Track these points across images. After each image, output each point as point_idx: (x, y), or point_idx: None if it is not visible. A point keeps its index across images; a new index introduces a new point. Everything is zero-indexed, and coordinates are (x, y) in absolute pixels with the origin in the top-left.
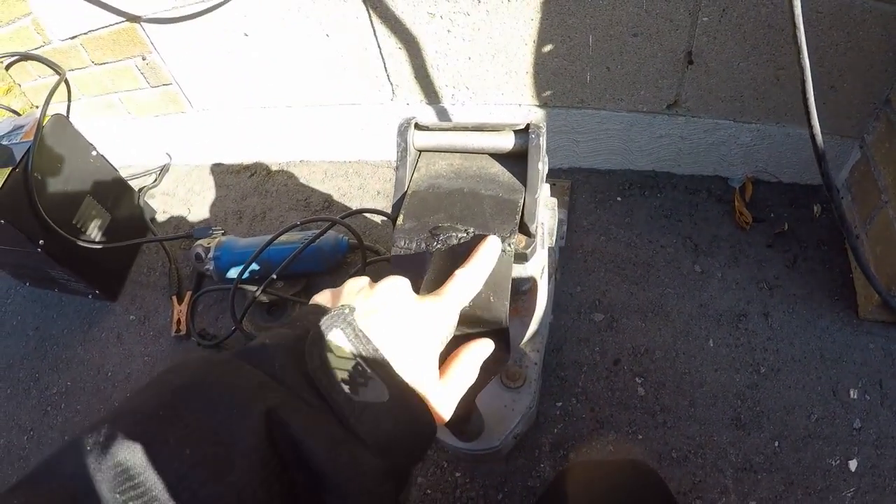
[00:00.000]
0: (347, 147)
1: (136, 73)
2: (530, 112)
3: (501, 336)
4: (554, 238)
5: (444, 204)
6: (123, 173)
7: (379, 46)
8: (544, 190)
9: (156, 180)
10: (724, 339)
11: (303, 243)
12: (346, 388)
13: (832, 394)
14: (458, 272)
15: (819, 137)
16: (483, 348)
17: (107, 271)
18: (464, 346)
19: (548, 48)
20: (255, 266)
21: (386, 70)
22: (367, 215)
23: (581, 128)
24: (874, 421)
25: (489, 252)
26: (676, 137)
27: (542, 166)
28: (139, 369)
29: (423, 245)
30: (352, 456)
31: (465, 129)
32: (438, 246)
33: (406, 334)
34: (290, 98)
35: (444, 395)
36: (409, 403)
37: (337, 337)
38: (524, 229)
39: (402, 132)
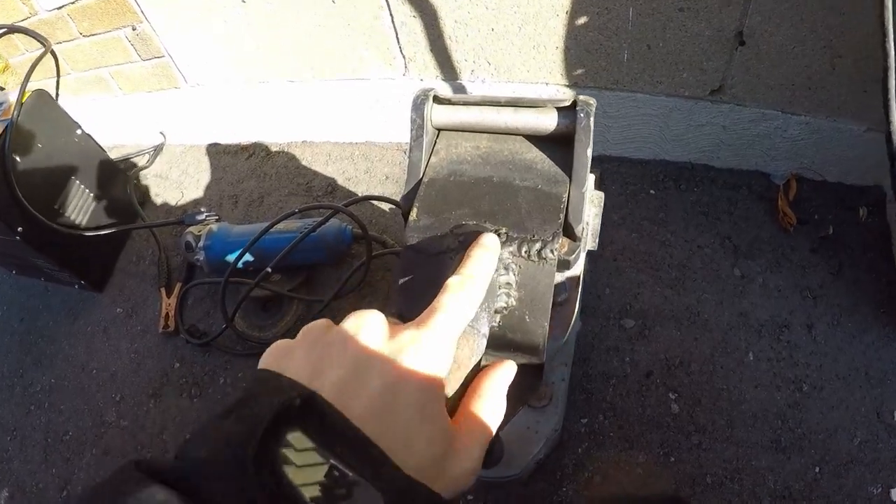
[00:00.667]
0: (354, 127)
1: (127, 45)
2: (558, 92)
3: (537, 359)
4: (597, 241)
5: (468, 196)
6: (115, 154)
7: (391, 14)
8: (590, 181)
9: (149, 161)
10: (764, 353)
11: (302, 232)
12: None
13: (876, 416)
14: (449, 281)
15: None
16: (505, 374)
17: (93, 260)
18: (481, 376)
19: (582, 20)
20: (249, 257)
21: (398, 41)
22: (374, 203)
23: (614, 112)
24: None
25: (486, 253)
26: (718, 127)
27: (590, 153)
28: (125, 367)
29: (442, 248)
30: None
31: (497, 103)
32: (461, 251)
33: (392, 399)
34: (291, 72)
35: (464, 455)
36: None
37: (297, 438)
38: (568, 231)
39: (419, 105)
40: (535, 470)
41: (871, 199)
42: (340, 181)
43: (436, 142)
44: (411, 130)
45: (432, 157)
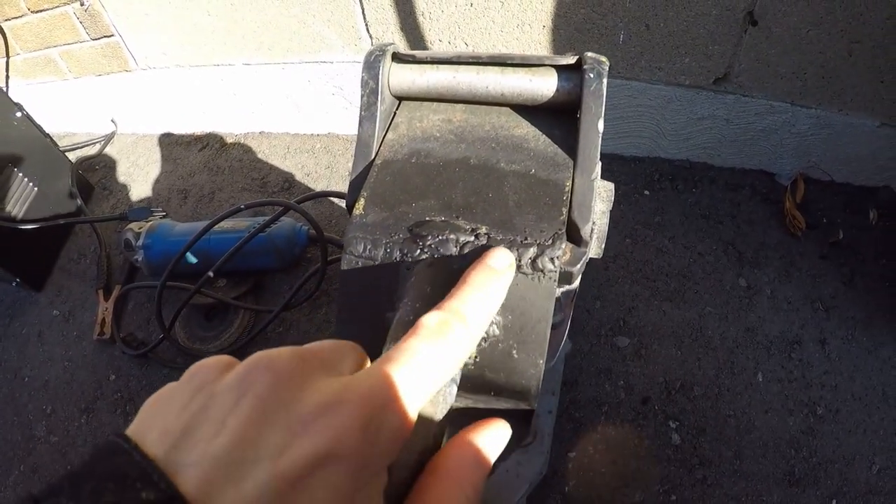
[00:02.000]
0: (315, 116)
1: (75, 23)
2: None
3: (525, 403)
4: (603, 246)
5: (435, 183)
6: (66, 142)
7: None
8: (597, 168)
9: (98, 151)
10: (775, 373)
11: (249, 232)
12: None
13: None
14: (425, 320)
15: None
16: (490, 443)
17: (31, 256)
18: (451, 447)
19: None
20: (192, 259)
21: (364, 18)
22: (335, 200)
23: (607, 101)
24: None
25: (494, 281)
26: (721, 120)
27: (602, 126)
28: (58, 376)
29: (397, 253)
30: None
31: (477, 62)
32: (423, 256)
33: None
34: (248, 53)
35: None
36: None
37: None
38: (573, 233)
39: (372, 64)
40: None
41: (881, 200)
42: (299, 176)
43: (395, 113)
44: (362, 96)
45: (389, 133)
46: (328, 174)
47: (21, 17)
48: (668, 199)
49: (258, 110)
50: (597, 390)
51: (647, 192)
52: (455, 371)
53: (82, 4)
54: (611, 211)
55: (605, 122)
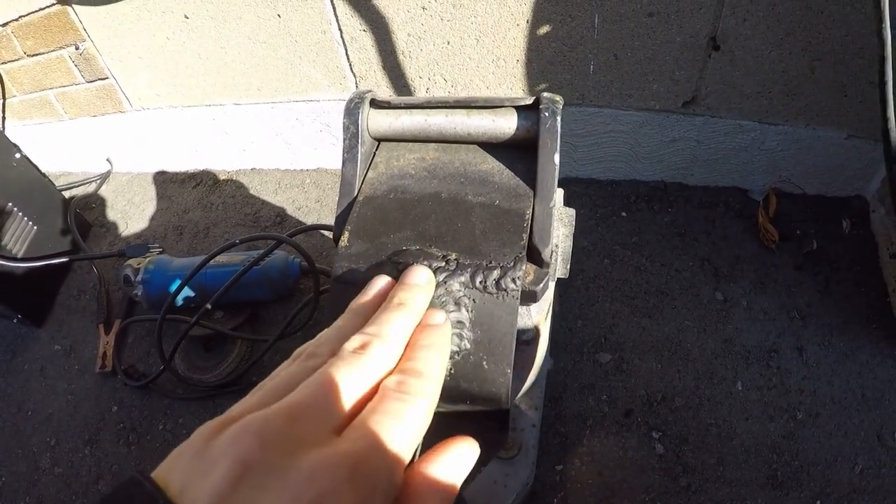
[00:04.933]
0: (305, 153)
1: (71, 66)
2: (515, 91)
3: (499, 416)
4: (568, 267)
5: (411, 216)
6: (62, 182)
7: (340, 28)
8: (558, 196)
9: (94, 190)
10: (754, 381)
11: (244, 265)
12: None
13: (877, 439)
14: (388, 383)
15: (894, 129)
16: (458, 463)
17: (31, 293)
18: (423, 464)
19: (544, 30)
20: (190, 292)
21: (348, 58)
22: (324, 232)
23: (581, 129)
24: None
25: (413, 299)
26: (692, 141)
27: (558, 160)
28: (61, 409)
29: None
30: None
31: (445, 106)
32: None
33: None
34: (238, 94)
35: None
36: None
37: None
38: (534, 255)
39: (352, 111)
40: None
41: (853, 210)
42: (290, 210)
43: (375, 154)
44: (344, 140)
45: (370, 172)
46: (318, 208)
47: (17, 60)
48: (645, 219)
49: (249, 148)
50: (581, 405)
51: (624, 214)
52: (425, 425)
53: (77, 48)
54: (591, 233)
55: (580, 149)
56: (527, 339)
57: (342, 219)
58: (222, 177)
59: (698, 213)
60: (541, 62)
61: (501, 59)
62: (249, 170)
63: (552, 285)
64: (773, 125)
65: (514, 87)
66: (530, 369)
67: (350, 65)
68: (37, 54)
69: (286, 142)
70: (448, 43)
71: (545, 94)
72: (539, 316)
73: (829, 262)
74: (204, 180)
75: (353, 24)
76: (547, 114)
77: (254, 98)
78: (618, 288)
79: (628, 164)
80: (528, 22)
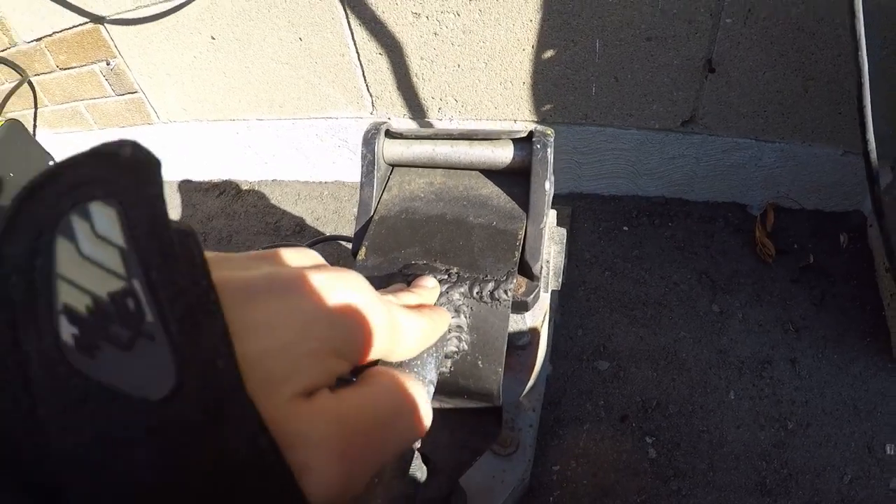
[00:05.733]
0: (323, 166)
1: (101, 80)
2: (515, 125)
3: (493, 411)
4: (561, 280)
5: (419, 235)
6: None
7: (357, 52)
8: (550, 217)
9: None
10: (746, 391)
11: None
12: (70, 331)
13: (867, 450)
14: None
15: (874, 154)
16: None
17: None
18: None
19: (548, 54)
20: None
21: (365, 79)
22: (342, 243)
23: (585, 147)
24: None
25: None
26: (691, 159)
27: (548, 186)
28: None
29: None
30: None
31: (450, 137)
32: None
33: (281, 290)
34: (261, 110)
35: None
36: (235, 427)
37: (101, 216)
38: (525, 269)
39: (369, 140)
40: None
41: (851, 225)
42: (309, 220)
43: (389, 178)
44: (362, 166)
45: (385, 194)
46: (335, 218)
47: (50, 72)
48: (646, 233)
49: (271, 161)
50: (579, 410)
51: (625, 228)
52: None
53: (108, 64)
54: (593, 246)
55: (584, 166)
56: (522, 345)
57: (360, 235)
58: (245, 187)
59: (698, 227)
60: (546, 84)
61: (509, 82)
62: (271, 181)
63: (546, 296)
64: (769, 142)
65: (521, 107)
66: (529, 373)
67: (367, 85)
68: (69, 68)
69: (306, 156)
70: (459, 66)
71: (538, 128)
72: (534, 323)
73: (825, 276)
74: (227, 190)
75: (370, 48)
76: (538, 146)
77: (276, 114)
78: (617, 299)
79: (630, 181)
80: (533, 47)
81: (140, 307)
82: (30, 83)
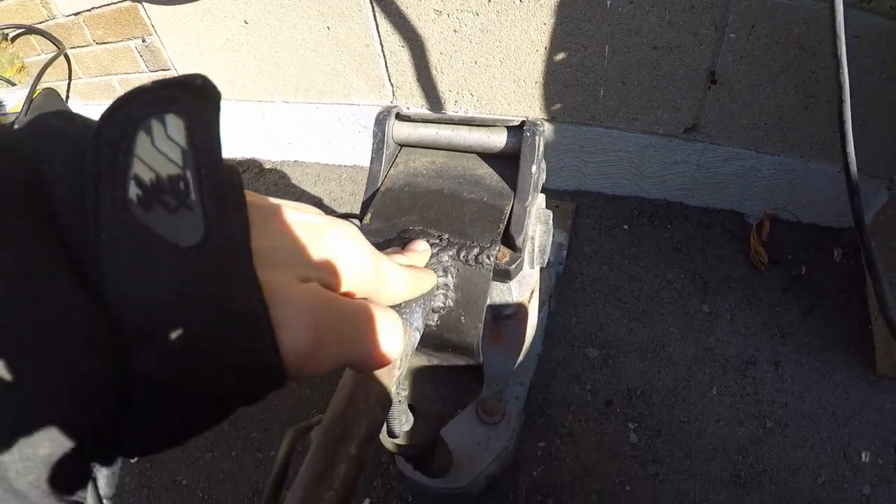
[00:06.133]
0: (344, 150)
1: (136, 56)
2: (512, 115)
3: (473, 360)
4: (546, 258)
5: (418, 205)
6: None
7: (381, 44)
8: (538, 200)
9: None
10: (728, 388)
11: None
12: (135, 192)
13: (842, 455)
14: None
15: (853, 166)
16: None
17: None
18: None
19: (560, 56)
20: None
21: (387, 69)
22: (354, 221)
23: (591, 147)
24: (885, 488)
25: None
26: (693, 165)
27: (535, 170)
28: None
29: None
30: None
31: (452, 122)
32: None
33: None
34: (287, 93)
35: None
36: (235, 281)
37: (172, 124)
38: (509, 241)
39: (381, 121)
40: (487, 487)
41: (846, 240)
42: (326, 201)
43: (397, 156)
44: (373, 144)
45: (392, 170)
46: (352, 200)
47: (86, 46)
48: (645, 233)
49: (294, 142)
50: (567, 392)
51: (626, 227)
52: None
53: (144, 41)
54: (593, 242)
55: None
56: (508, 314)
57: (367, 203)
58: (267, 166)
59: (696, 231)
60: (556, 84)
61: (522, 80)
62: (293, 161)
63: (533, 273)
64: (768, 154)
65: (532, 105)
66: (517, 347)
67: (389, 76)
68: (105, 42)
69: (328, 139)
70: (475, 63)
71: (529, 119)
72: (520, 297)
73: (816, 288)
74: (251, 168)
75: (393, 41)
76: (528, 133)
77: (301, 98)
78: (612, 292)
79: (634, 182)
80: (546, 48)
81: (188, 189)
82: (66, 56)
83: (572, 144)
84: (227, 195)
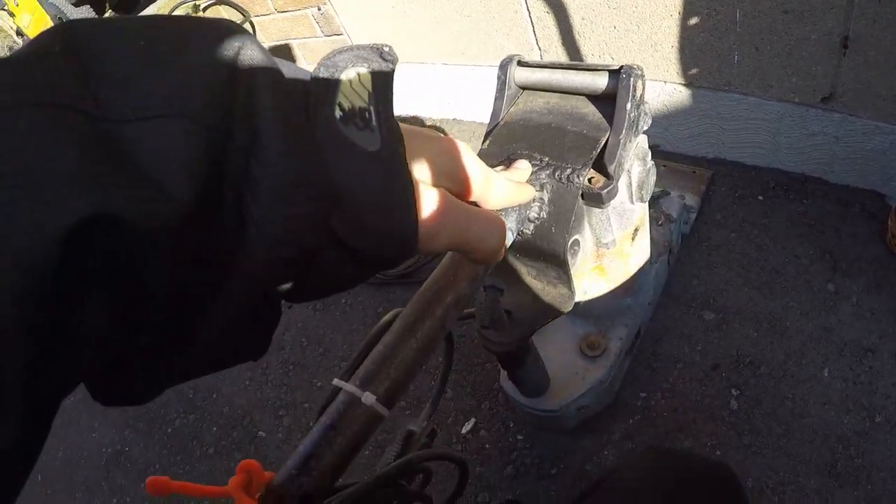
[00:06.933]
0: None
1: (312, 22)
2: (675, 90)
3: (562, 270)
4: (647, 195)
5: (528, 135)
6: None
7: (528, 10)
8: (639, 140)
9: None
10: (842, 372)
11: None
12: (338, 113)
13: None
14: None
15: None
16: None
17: None
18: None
19: (693, 21)
20: None
21: (535, 34)
22: None
23: (727, 114)
24: None
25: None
26: (831, 137)
27: (630, 107)
28: None
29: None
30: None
31: (562, 67)
32: None
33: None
34: (445, 56)
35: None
36: (397, 178)
37: (379, 76)
38: (602, 169)
39: (504, 66)
40: (583, 426)
41: None
42: None
43: (519, 97)
44: (497, 85)
45: (512, 108)
46: None
47: (268, 14)
48: (779, 205)
49: (453, 101)
50: (676, 350)
51: (760, 198)
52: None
53: (319, 9)
54: (725, 209)
55: (727, 132)
56: (606, 243)
57: (489, 131)
58: (428, 123)
59: (832, 208)
60: (691, 49)
61: (658, 45)
62: (451, 119)
63: (635, 207)
64: None
65: (669, 70)
66: (627, 290)
67: (536, 40)
68: (285, 11)
69: (484, 99)
70: (615, 28)
71: (626, 64)
72: (622, 230)
73: None
74: (414, 124)
75: (539, 7)
76: (624, 76)
77: (458, 60)
78: (737, 260)
79: (771, 153)
80: (679, 13)
81: (371, 118)
82: (251, 23)
83: (710, 111)
84: (393, 125)
